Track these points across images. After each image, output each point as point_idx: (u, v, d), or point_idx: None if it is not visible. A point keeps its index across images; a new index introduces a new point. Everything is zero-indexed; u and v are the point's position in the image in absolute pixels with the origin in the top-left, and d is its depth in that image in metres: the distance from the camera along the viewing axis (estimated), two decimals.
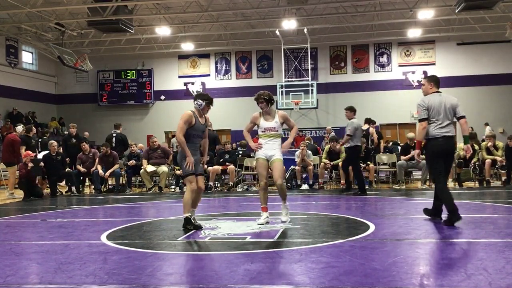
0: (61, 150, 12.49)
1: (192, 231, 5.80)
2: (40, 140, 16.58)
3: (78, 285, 3.62)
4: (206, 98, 6.23)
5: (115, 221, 7.09)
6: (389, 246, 4.72)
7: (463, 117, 5.92)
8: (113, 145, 13.07)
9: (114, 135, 13.57)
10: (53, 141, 12.07)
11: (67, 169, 11.89)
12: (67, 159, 12.06)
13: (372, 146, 12.47)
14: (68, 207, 9.21)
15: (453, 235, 5.25)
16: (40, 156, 12.36)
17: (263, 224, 6.05)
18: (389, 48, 23.70)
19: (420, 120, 5.94)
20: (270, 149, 6.24)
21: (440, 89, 6.30)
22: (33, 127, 12.92)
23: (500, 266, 3.82)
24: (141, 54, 24.49)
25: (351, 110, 10.17)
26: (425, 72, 23.26)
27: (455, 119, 5.96)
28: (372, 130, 12.54)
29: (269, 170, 6.35)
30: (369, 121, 12.78)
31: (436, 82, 6.21)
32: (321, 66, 24.13)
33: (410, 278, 3.64)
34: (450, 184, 11.12)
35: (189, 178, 5.90)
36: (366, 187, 11.76)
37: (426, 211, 6.41)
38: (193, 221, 5.90)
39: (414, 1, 18.53)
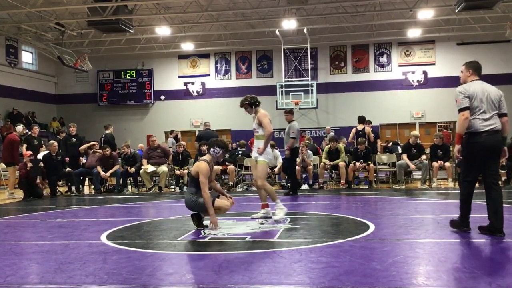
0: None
1: (192, 231, 5.82)
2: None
3: (78, 285, 3.62)
4: (223, 146, 6.10)
5: (115, 221, 7.09)
6: (389, 246, 4.72)
7: (505, 114, 5.14)
8: (101, 145, 13.08)
9: (103, 135, 13.65)
10: (53, 141, 12.07)
11: (68, 169, 11.86)
12: (67, 158, 12.06)
13: (369, 145, 12.43)
14: (68, 207, 9.21)
15: (453, 235, 5.25)
16: (40, 156, 12.35)
17: (259, 219, 6.25)
18: (389, 48, 23.71)
19: (461, 110, 5.00)
20: (254, 151, 6.55)
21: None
22: (35, 127, 12.89)
23: (500, 266, 3.82)
24: (141, 54, 24.49)
25: (291, 113, 10.45)
26: (425, 72, 23.29)
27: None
28: (368, 129, 12.53)
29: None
30: (363, 120, 12.76)
31: (476, 69, 5.27)
32: (321, 66, 24.13)
33: (410, 278, 3.64)
34: (450, 184, 11.12)
35: (216, 201, 5.91)
36: (366, 187, 11.81)
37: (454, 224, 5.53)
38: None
39: (414, 1, 18.53)
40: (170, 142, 18.07)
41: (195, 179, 5.87)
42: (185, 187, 11.12)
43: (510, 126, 5.28)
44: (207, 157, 6.02)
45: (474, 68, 5.25)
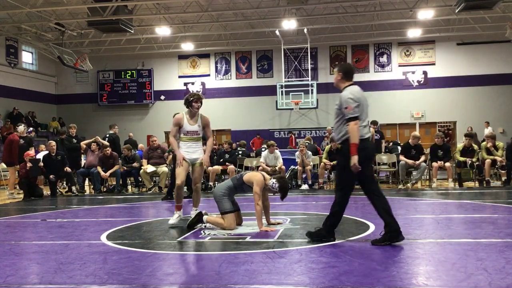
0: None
1: (192, 231, 5.83)
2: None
3: (78, 285, 3.62)
4: (283, 188, 5.86)
5: (115, 221, 7.09)
6: (389, 246, 4.72)
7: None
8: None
9: (107, 135, 13.66)
10: (51, 141, 12.06)
11: (66, 168, 11.84)
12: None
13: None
14: (68, 207, 9.21)
15: (453, 235, 5.25)
16: (40, 155, 12.36)
17: (175, 223, 6.13)
18: (389, 48, 23.71)
19: (353, 119, 4.75)
20: (194, 152, 6.32)
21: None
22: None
23: (500, 266, 3.82)
24: (141, 54, 24.50)
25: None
26: (425, 72, 23.29)
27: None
28: (372, 130, 12.53)
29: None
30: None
31: (347, 73, 5.04)
32: (321, 66, 24.13)
33: (410, 278, 3.64)
34: (450, 184, 11.13)
35: (228, 216, 5.80)
36: None
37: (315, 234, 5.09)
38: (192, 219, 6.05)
39: (414, 1, 18.53)
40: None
41: (241, 182, 5.86)
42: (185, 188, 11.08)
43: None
44: (265, 175, 5.97)
45: (344, 72, 5.02)
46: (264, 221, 5.84)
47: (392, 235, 4.70)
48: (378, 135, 13.10)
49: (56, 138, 15.56)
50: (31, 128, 12.79)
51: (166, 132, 24.53)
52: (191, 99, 6.21)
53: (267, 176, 5.91)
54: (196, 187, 6.41)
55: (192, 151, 6.32)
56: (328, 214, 5.02)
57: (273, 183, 5.79)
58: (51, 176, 11.36)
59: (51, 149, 11.65)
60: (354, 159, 4.69)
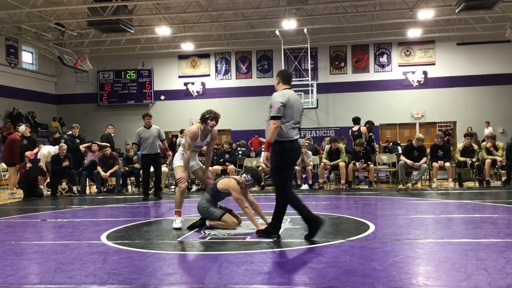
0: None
1: (192, 231, 5.85)
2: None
3: (78, 285, 3.62)
4: (257, 178, 5.94)
5: (115, 221, 7.09)
6: (389, 246, 4.72)
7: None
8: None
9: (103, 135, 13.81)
10: (62, 144, 12.02)
11: (64, 164, 11.80)
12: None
13: (367, 145, 12.40)
14: (68, 207, 9.21)
15: (453, 235, 5.26)
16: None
17: (179, 227, 6.02)
18: (389, 48, 23.70)
19: (275, 118, 4.97)
20: (193, 160, 6.37)
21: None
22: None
23: (500, 266, 3.82)
24: (141, 54, 24.49)
25: (143, 118, 10.56)
26: (425, 72, 23.29)
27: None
28: (364, 129, 12.52)
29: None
30: (358, 121, 12.74)
31: (285, 77, 5.36)
32: (321, 66, 24.13)
33: (410, 278, 3.64)
34: (450, 184, 11.13)
35: (225, 218, 5.85)
36: (366, 187, 11.82)
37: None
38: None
39: (414, 1, 18.54)
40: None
41: (216, 191, 5.89)
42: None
43: None
44: (236, 177, 5.98)
45: (282, 77, 5.32)
46: (261, 220, 5.83)
47: (269, 232, 5.19)
48: (373, 135, 13.10)
49: (50, 138, 15.59)
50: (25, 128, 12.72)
51: (166, 132, 24.55)
52: (207, 116, 6.09)
53: (238, 177, 5.93)
54: (207, 181, 6.38)
55: (193, 159, 6.38)
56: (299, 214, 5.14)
57: (245, 178, 5.81)
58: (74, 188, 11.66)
59: (62, 152, 11.63)
60: (264, 156, 5.02)
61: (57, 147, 12.04)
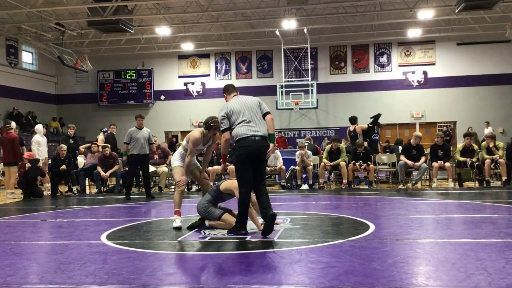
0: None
1: (192, 231, 5.85)
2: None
3: (78, 285, 3.62)
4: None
5: (115, 221, 7.09)
6: (389, 246, 4.72)
7: (268, 113, 5.62)
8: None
9: (103, 130, 13.93)
10: (62, 145, 12.02)
11: (62, 167, 11.79)
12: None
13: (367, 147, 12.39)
14: (68, 207, 9.21)
15: (453, 235, 5.26)
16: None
17: (179, 226, 6.03)
18: (389, 48, 23.70)
19: (223, 131, 5.48)
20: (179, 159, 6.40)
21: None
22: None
23: (500, 266, 3.82)
24: (141, 54, 24.49)
25: (135, 118, 10.44)
26: (425, 72, 23.29)
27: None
28: (358, 129, 12.51)
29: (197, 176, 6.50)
30: (355, 120, 12.72)
31: (226, 90, 5.88)
32: (321, 66, 24.13)
33: (410, 278, 3.64)
34: (450, 184, 11.13)
35: (224, 217, 5.86)
36: (366, 187, 11.81)
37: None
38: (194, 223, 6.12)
39: (414, 1, 18.53)
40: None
41: (219, 192, 5.91)
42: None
43: None
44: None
45: (224, 90, 5.88)
46: (261, 220, 5.83)
47: (234, 229, 5.44)
48: (377, 136, 13.08)
49: (59, 139, 15.62)
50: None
51: (166, 132, 24.58)
52: (211, 124, 6.07)
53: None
54: (204, 181, 6.44)
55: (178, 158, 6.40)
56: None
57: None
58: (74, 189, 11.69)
59: (62, 154, 11.64)
60: (221, 167, 5.63)
61: (44, 138, 12.35)
